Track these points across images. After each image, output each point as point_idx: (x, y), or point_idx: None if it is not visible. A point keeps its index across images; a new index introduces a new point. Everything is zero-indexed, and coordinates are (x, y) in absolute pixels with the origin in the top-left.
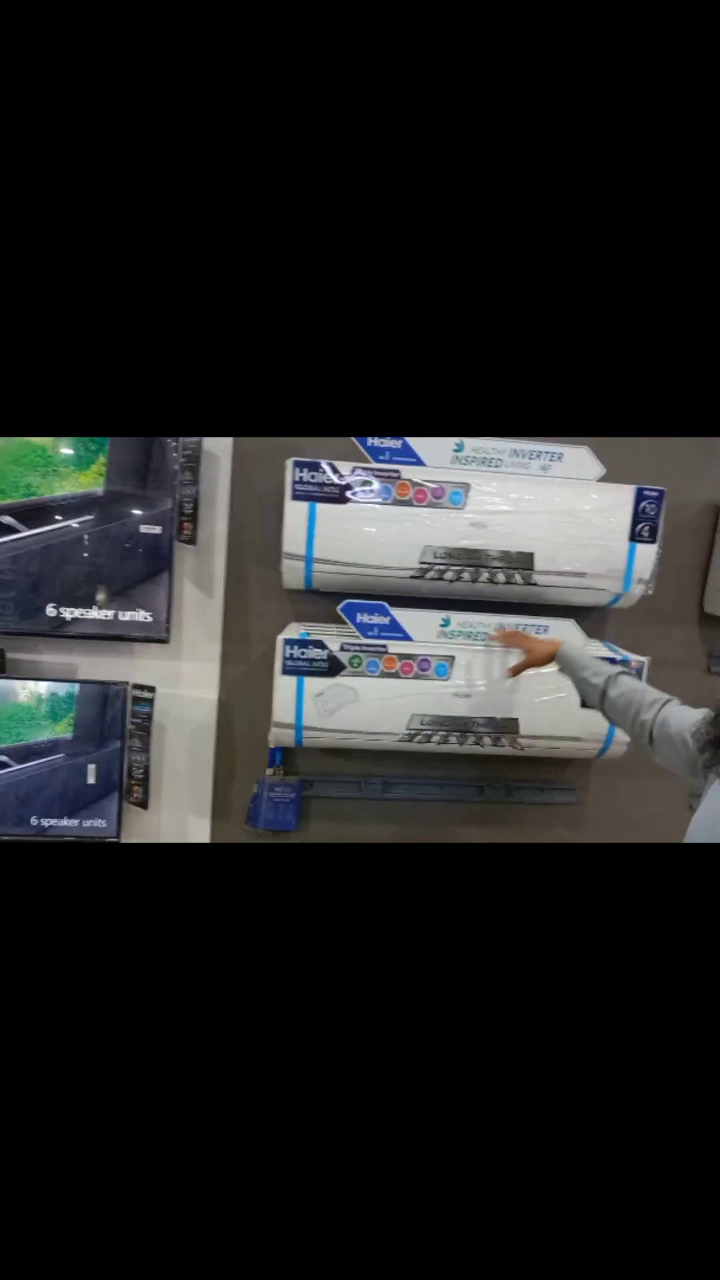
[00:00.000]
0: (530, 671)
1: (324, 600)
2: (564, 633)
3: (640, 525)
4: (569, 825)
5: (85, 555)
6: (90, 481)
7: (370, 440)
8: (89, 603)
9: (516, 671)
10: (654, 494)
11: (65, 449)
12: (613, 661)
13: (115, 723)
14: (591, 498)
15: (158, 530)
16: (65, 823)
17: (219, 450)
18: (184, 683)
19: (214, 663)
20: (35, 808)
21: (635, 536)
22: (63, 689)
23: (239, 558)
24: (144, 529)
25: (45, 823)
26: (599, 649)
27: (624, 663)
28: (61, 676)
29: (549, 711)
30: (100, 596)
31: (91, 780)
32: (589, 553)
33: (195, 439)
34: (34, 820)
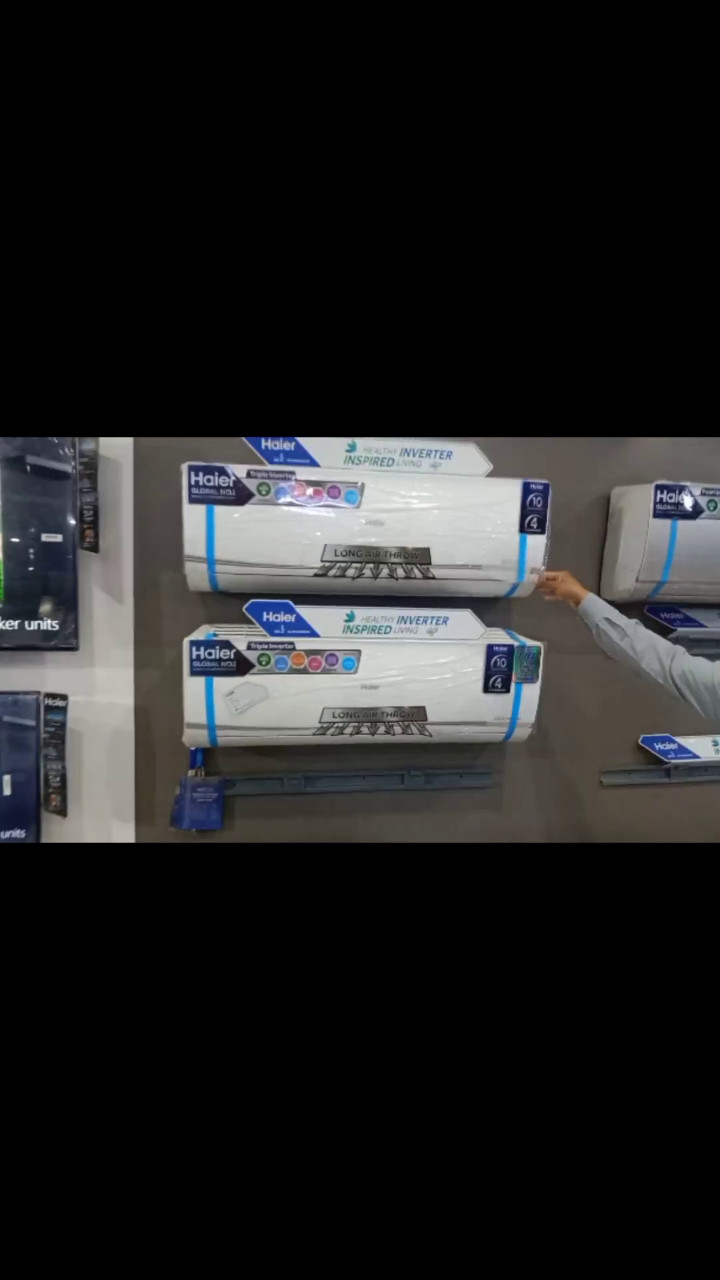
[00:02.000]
0: (439, 657)
1: (234, 601)
2: (461, 623)
3: (529, 517)
4: (488, 808)
5: None
6: None
7: (264, 442)
8: None
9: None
10: (539, 487)
11: None
12: (509, 648)
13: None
14: (481, 492)
15: (59, 539)
16: None
17: (119, 456)
18: (99, 689)
19: (128, 668)
20: None
21: (525, 528)
22: None
23: (147, 563)
24: (45, 538)
25: None
26: (502, 637)
27: (522, 648)
28: None
29: (455, 698)
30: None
31: (7, 791)
32: (483, 545)
33: (92, 447)
34: None
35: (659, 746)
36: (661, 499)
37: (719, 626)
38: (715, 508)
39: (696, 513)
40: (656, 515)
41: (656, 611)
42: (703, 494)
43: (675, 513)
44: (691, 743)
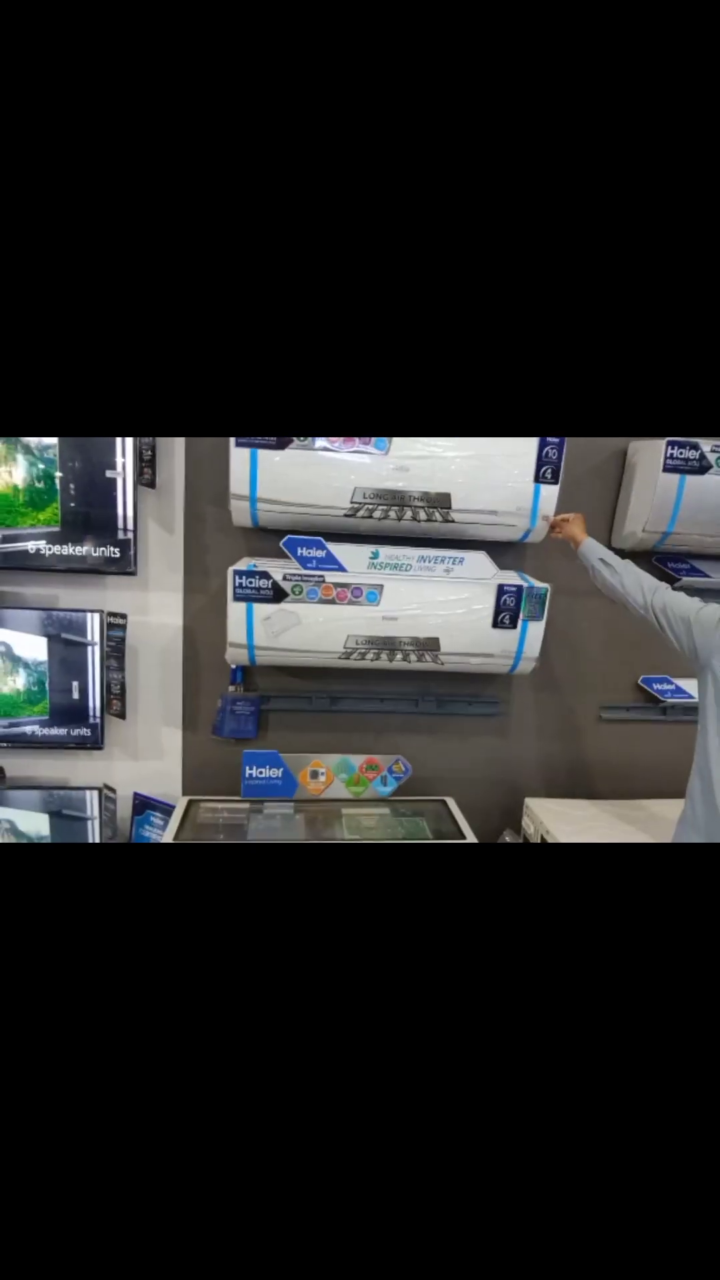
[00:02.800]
0: (454, 593)
1: (272, 537)
2: (476, 564)
3: (544, 468)
4: (494, 734)
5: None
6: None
7: None
8: (66, 540)
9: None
10: (555, 441)
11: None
12: (519, 588)
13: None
14: (501, 444)
15: (119, 474)
16: (56, 731)
17: None
18: (152, 610)
19: (178, 592)
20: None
21: (539, 478)
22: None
23: (196, 499)
24: (108, 473)
25: (39, 731)
26: (513, 578)
27: (530, 588)
28: (45, 605)
29: (466, 631)
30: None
31: (75, 695)
32: (499, 493)
33: None
34: (29, 729)
35: (657, 686)
36: (672, 454)
37: None
38: None
39: (705, 468)
40: (666, 469)
41: (664, 561)
42: (712, 450)
43: (684, 468)
44: (688, 684)
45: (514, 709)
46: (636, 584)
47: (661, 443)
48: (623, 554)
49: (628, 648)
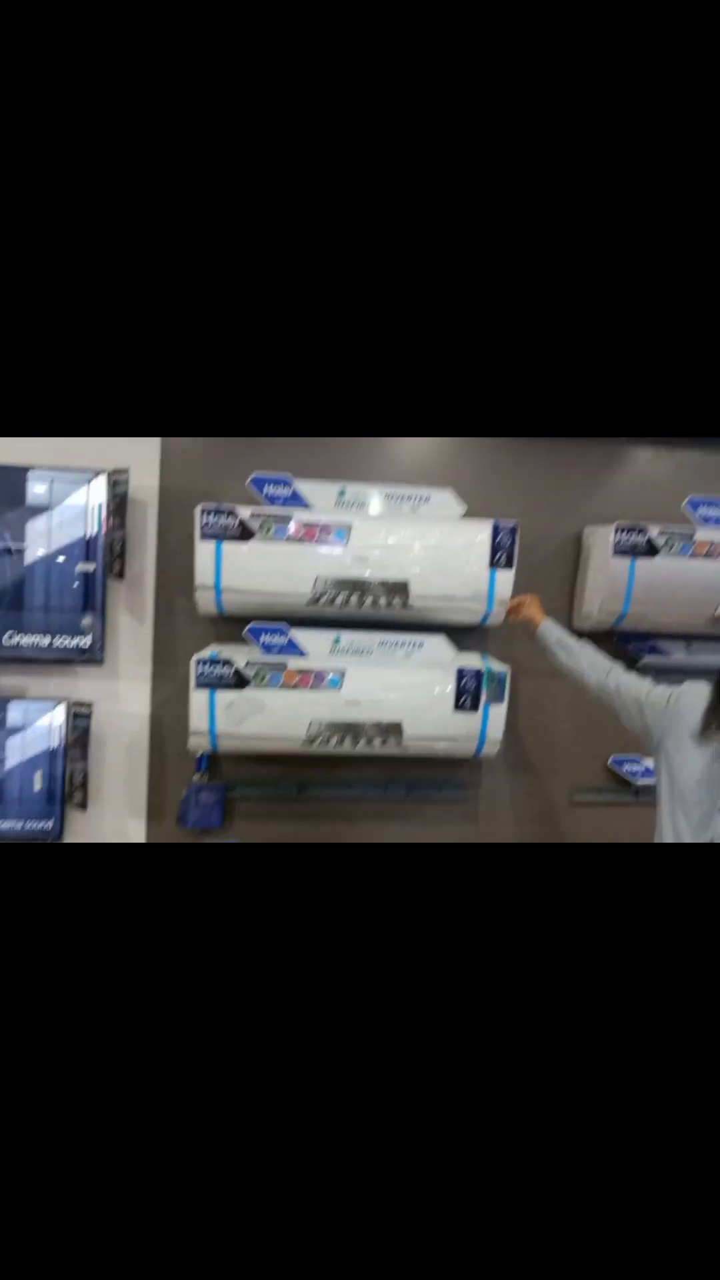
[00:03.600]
0: (415, 677)
1: (239, 625)
2: (435, 648)
3: (498, 554)
4: (465, 819)
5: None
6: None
7: (265, 488)
8: (35, 630)
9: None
10: (508, 526)
11: None
12: (478, 671)
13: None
14: (456, 532)
15: (92, 567)
16: (8, 824)
17: (146, 497)
18: (120, 699)
19: (146, 681)
20: None
21: (494, 563)
22: None
23: (166, 590)
24: (81, 567)
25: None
26: (474, 660)
27: (490, 671)
28: (11, 695)
29: (428, 715)
30: (86, 621)
31: (38, 787)
32: (455, 580)
33: (123, 489)
34: None
35: (627, 767)
36: (620, 539)
37: (683, 656)
38: (672, 547)
39: (653, 551)
40: (616, 553)
41: (625, 641)
42: (660, 534)
43: (633, 551)
44: None
45: (484, 793)
46: (592, 664)
47: (610, 528)
48: (583, 634)
49: (597, 729)
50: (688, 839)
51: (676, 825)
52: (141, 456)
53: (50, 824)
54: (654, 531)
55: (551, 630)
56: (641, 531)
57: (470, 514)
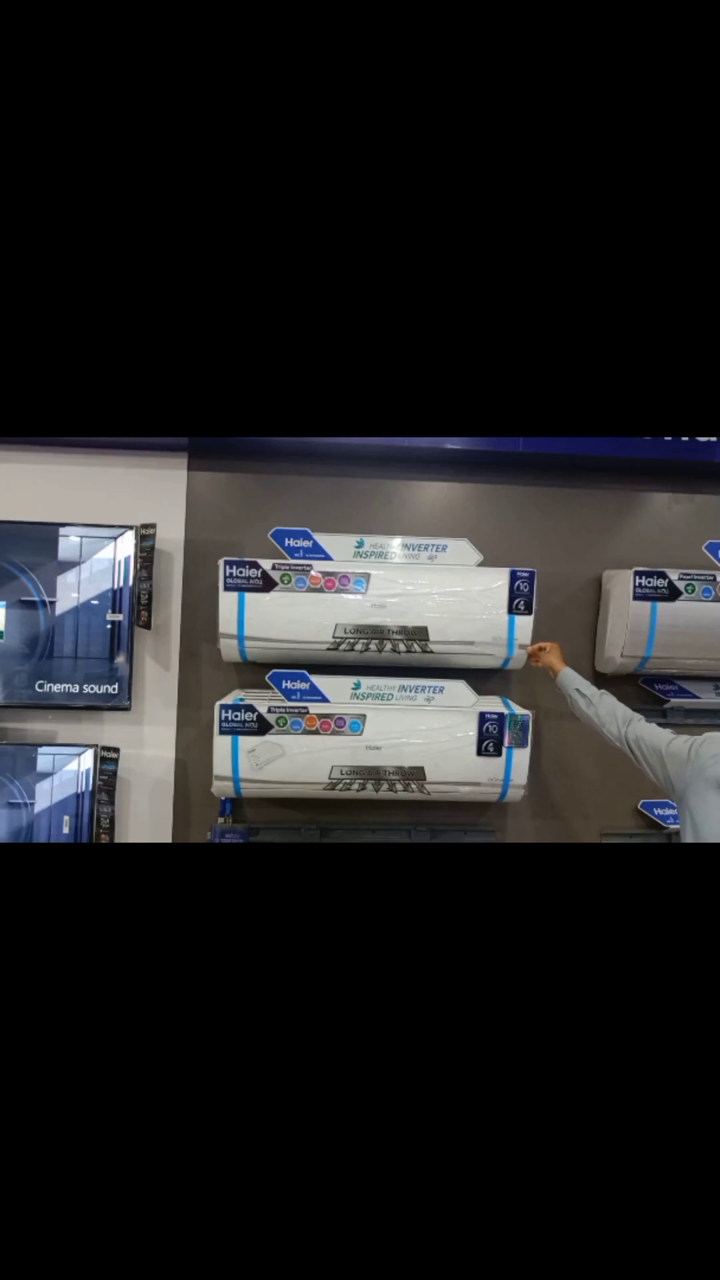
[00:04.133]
0: (436, 722)
1: (262, 670)
2: (456, 693)
3: (516, 600)
4: None
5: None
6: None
7: (286, 540)
8: (65, 678)
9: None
10: (525, 574)
11: None
12: (500, 715)
13: None
14: (474, 579)
15: (120, 617)
16: None
17: (172, 549)
18: (146, 744)
19: (171, 726)
20: None
21: (513, 610)
22: None
23: (190, 638)
24: (110, 617)
25: None
26: (495, 704)
27: (512, 715)
28: (44, 741)
29: (451, 760)
30: (121, 663)
31: (66, 830)
32: (474, 625)
33: (150, 543)
34: None
35: (658, 812)
36: (640, 583)
37: (711, 697)
38: (693, 590)
39: (674, 595)
40: (637, 598)
41: (651, 684)
42: (680, 578)
43: (654, 595)
44: None
45: (510, 837)
46: (611, 715)
47: (629, 573)
48: (605, 678)
49: (625, 772)
50: None
51: None
52: (167, 511)
53: None
54: (674, 575)
55: (571, 679)
56: (662, 576)
57: (487, 562)
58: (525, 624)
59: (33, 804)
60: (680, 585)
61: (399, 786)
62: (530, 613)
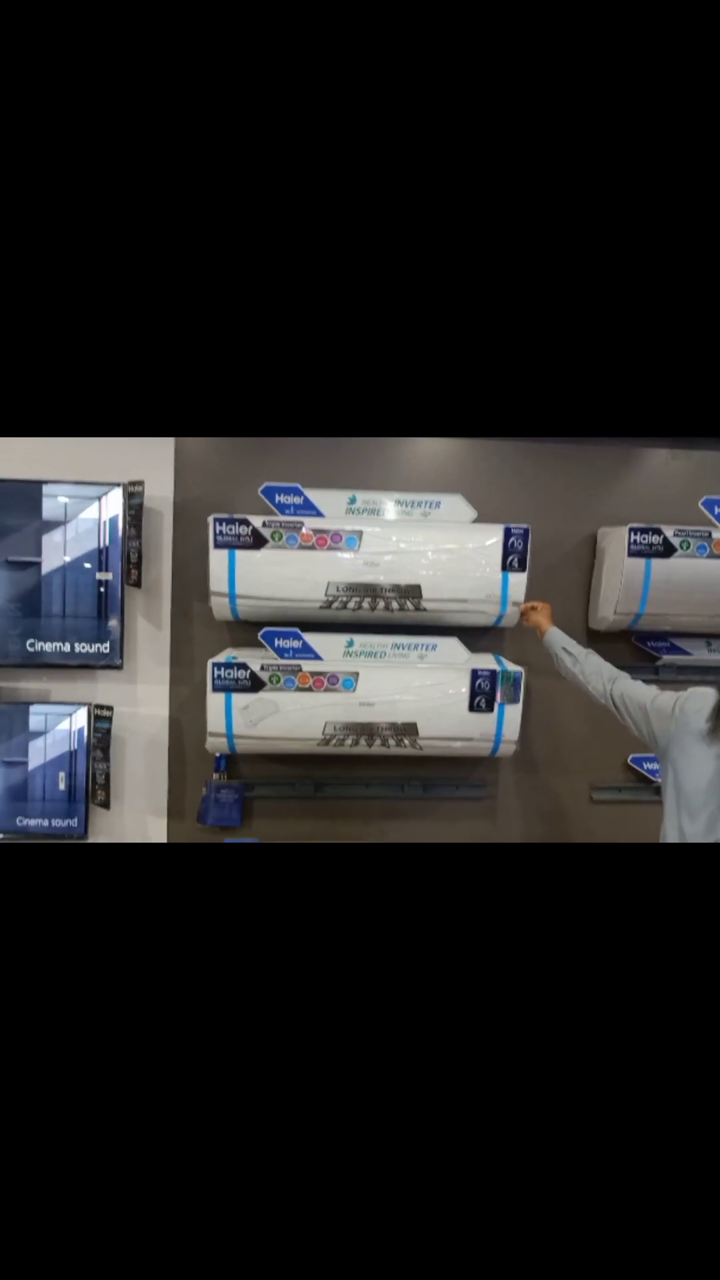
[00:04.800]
0: (429, 679)
1: (254, 628)
2: (449, 650)
3: (510, 557)
4: (482, 818)
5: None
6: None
7: (277, 497)
8: (56, 637)
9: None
10: (519, 531)
11: None
12: (492, 672)
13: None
14: (468, 536)
15: (110, 576)
16: (35, 822)
17: (161, 507)
18: (139, 702)
19: (164, 684)
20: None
21: (506, 567)
22: None
23: (182, 596)
24: (100, 575)
25: (28, 822)
26: (488, 662)
27: (504, 672)
28: (38, 699)
29: (443, 716)
30: (113, 623)
31: (61, 787)
32: (468, 583)
33: (138, 501)
34: (18, 821)
35: (646, 766)
36: (635, 540)
37: (703, 654)
38: (688, 547)
39: (669, 552)
40: (631, 554)
41: (644, 641)
42: (675, 534)
43: (649, 552)
44: None
45: (501, 792)
46: (596, 672)
47: (624, 529)
48: (598, 636)
49: (614, 727)
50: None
51: (682, 829)
52: (155, 468)
53: (74, 822)
54: (669, 532)
55: (558, 638)
56: (657, 532)
57: (482, 519)
58: (519, 581)
59: (26, 762)
60: (675, 542)
61: (391, 742)
62: (524, 570)
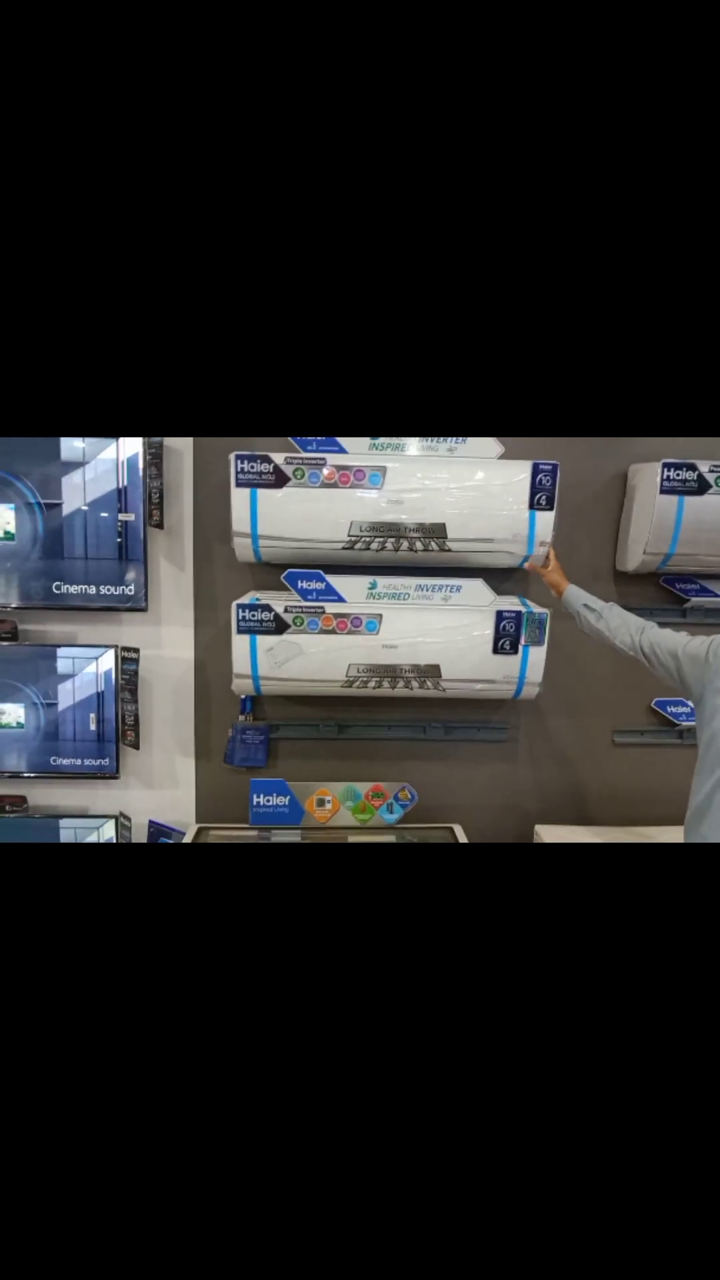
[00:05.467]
0: (452, 620)
1: (277, 571)
2: (473, 591)
3: (538, 495)
4: (504, 760)
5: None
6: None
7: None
8: (80, 580)
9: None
10: (548, 467)
11: None
12: (518, 614)
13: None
14: (494, 473)
15: (132, 517)
16: (67, 761)
17: (181, 446)
18: (165, 644)
19: (189, 627)
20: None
21: (534, 505)
22: None
23: (204, 537)
24: (121, 517)
25: (61, 762)
26: (512, 603)
27: (529, 614)
28: (65, 641)
29: (467, 658)
30: (135, 565)
31: (92, 728)
32: (494, 521)
33: (158, 440)
34: (53, 760)
35: (671, 709)
36: (669, 476)
37: None
38: None
39: (703, 489)
40: (663, 491)
41: (672, 582)
42: (710, 470)
43: (682, 489)
44: None
45: (523, 734)
46: (622, 624)
47: (658, 465)
48: (626, 577)
49: (638, 671)
50: None
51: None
52: None
53: (106, 761)
54: (705, 468)
55: (578, 595)
56: (691, 468)
57: (509, 455)
58: (546, 520)
59: (56, 703)
60: (710, 478)
61: (415, 684)
62: (552, 508)
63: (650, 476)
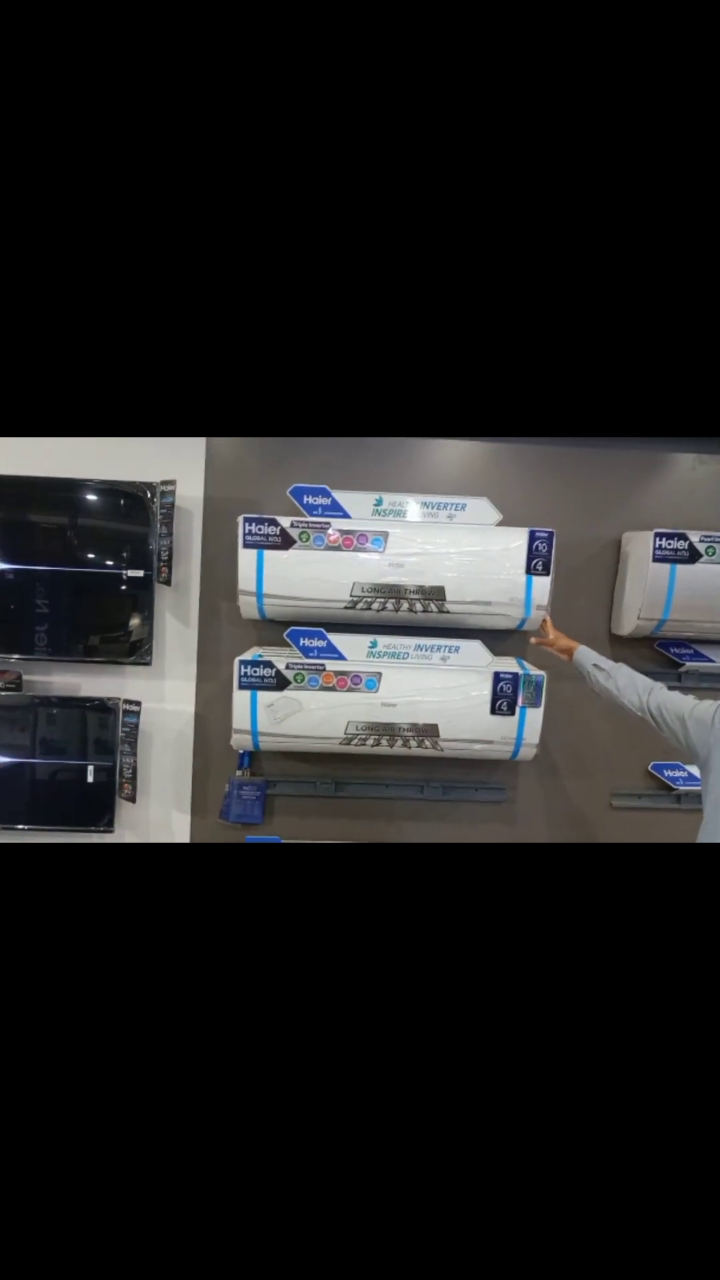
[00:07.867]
0: (451, 681)
1: (280, 627)
2: (471, 652)
3: (534, 560)
4: (501, 821)
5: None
6: None
7: (305, 498)
8: (87, 634)
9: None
10: (544, 534)
11: None
12: (515, 675)
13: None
14: (492, 539)
15: (140, 574)
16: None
17: (191, 507)
18: (167, 698)
19: (191, 681)
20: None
21: (531, 570)
22: None
23: (210, 595)
24: (129, 574)
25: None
26: (510, 665)
27: (526, 675)
28: (68, 694)
29: (464, 718)
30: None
31: (90, 779)
32: (492, 585)
33: (169, 500)
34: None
35: (668, 773)
36: (661, 545)
37: None
38: (714, 553)
39: (694, 558)
40: (656, 560)
41: (666, 646)
42: (701, 540)
43: (674, 558)
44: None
45: (521, 795)
46: (631, 685)
47: (650, 534)
48: (621, 641)
49: (636, 734)
50: None
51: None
52: (187, 468)
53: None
54: (695, 538)
55: (587, 655)
56: (682, 538)
57: (506, 521)
58: (543, 585)
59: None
60: (701, 548)
61: (413, 743)
62: (549, 574)
63: (643, 545)
